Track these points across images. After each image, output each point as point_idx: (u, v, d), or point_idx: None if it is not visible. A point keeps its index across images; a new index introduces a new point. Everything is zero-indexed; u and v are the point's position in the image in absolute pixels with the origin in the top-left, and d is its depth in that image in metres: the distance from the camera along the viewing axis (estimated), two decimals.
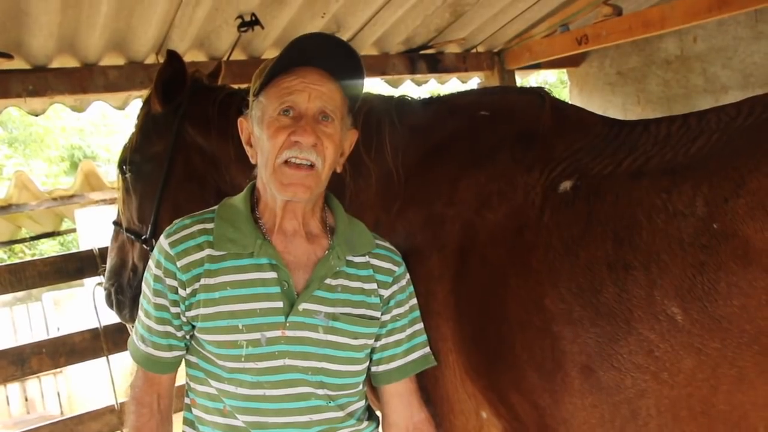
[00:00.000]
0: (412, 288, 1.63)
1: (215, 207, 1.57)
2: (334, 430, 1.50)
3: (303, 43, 1.44)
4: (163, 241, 1.51)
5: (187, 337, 1.53)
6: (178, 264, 1.47)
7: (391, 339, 1.58)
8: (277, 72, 1.45)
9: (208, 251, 1.48)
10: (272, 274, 1.46)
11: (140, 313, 1.57)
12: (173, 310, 1.50)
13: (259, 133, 1.48)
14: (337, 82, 1.48)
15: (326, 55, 1.44)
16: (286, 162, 1.42)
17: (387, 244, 1.63)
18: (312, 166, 1.42)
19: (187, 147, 2.21)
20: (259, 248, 1.46)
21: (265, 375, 1.44)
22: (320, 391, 1.46)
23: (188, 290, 1.47)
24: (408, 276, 1.62)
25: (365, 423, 1.58)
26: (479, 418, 1.63)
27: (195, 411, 1.55)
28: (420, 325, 1.62)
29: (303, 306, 1.46)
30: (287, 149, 1.42)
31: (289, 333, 1.44)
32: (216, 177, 2.18)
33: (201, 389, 1.51)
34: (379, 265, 1.57)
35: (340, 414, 1.50)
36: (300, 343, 1.45)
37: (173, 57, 2.19)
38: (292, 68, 1.45)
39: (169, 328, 1.51)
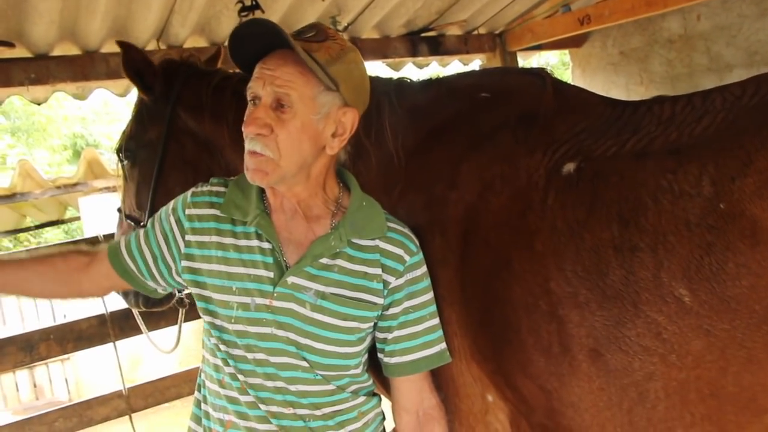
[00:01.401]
0: (428, 281, 1.59)
1: (238, 176, 1.61)
2: (329, 404, 1.51)
3: (253, 26, 1.42)
4: (189, 191, 1.62)
5: (155, 272, 1.61)
6: (187, 211, 1.57)
7: (405, 332, 1.55)
8: (254, 60, 1.45)
9: (217, 213, 1.55)
10: (268, 245, 1.50)
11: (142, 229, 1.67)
12: (161, 242, 1.59)
13: None
14: (300, 62, 1.40)
15: (281, 34, 1.39)
16: (249, 151, 1.44)
17: (405, 231, 1.58)
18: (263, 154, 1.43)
19: (180, 132, 2.21)
20: (253, 218, 1.50)
21: (255, 339, 1.47)
22: (305, 364, 1.48)
23: (192, 238, 1.55)
24: (425, 267, 1.58)
25: (363, 398, 1.58)
26: (485, 401, 1.63)
27: (204, 388, 1.58)
28: (437, 320, 1.59)
29: (292, 279, 1.47)
30: (245, 139, 1.44)
31: (276, 303, 1.46)
32: (210, 162, 2.18)
33: (208, 358, 1.56)
34: (388, 250, 1.54)
35: (330, 387, 1.51)
36: (286, 314, 1.47)
37: (128, 48, 2.19)
38: (267, 52, 1.44)
39: (148, 256, 1.60)
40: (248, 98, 1.45)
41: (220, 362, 1.51)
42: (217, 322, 1.51)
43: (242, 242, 1.51)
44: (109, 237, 3.05)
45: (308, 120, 1.42)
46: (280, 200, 1.53)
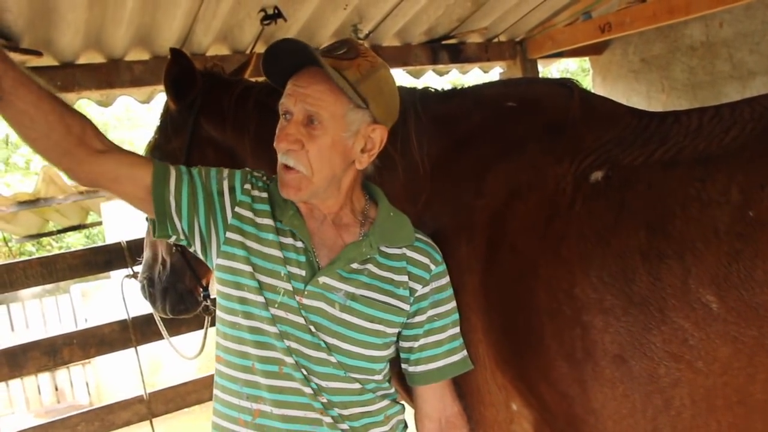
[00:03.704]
0: (451, 290, 1.62)
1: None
2: (357, 403, 1.52)
3: (289, 43, 1.45)
4: (250, 170, 1.63)
5: (183, 211, 1.52)
6: (245, 185, 1.57)
7: (431, 339, 1.58)
8: (287, 75, 1.49)
9: (266, 196, 1.57)
10: (301, 244, 1.53)
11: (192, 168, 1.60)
12: (198, 190, 1.53)
13: None
14: (331, 80, 1.42)
15: (316, 52, 1.43)
16: (283, 165, 1.47)
17: (430, 241, 1.62)
18: (295, 169, 1.46)
19: (202, 142, 2.23)
20: (289, 218, 1.53)
21: (292, 328, 1.48)
22: (335, 360, 1.49)
23: (241, 211, 1.54)
24: (448, 277, 1.61)
25: (388, 402, 1.59)
26: (509, 410, 1.63)
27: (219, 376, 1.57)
28: (458, 328, 1.62)
29: (323, 279, 1.49)
30: (278, 153, 1.48)
31: (306, 301, 1.48)
32: None
33: (233, 347, 1.52)
34: (415, 259, 1.57)
35: (357, 386, 1.52)
36: (316, 313, 1.49)
37: (178, 55, 2.19)
38: (299, 69, 1.47)
39: (199, 193, 1.53)
40: (280, 112, 1.49)
41: (249, 349, 1.49)
42: (254, 297, 1.47)
43: (278, 238, 1.53)
44: (131, 243, 3.09)
45: (338, 137, 1.46)
46: (311, 208, 1.56)
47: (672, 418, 1.36)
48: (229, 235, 1.53)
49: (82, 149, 1.43)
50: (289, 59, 1.46)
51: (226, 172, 1.60)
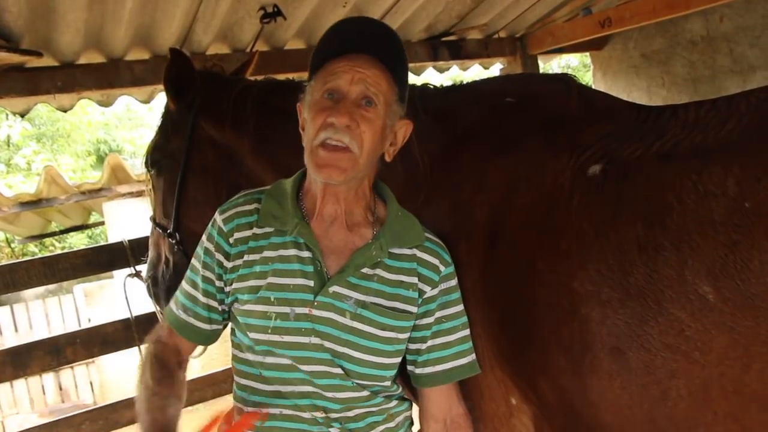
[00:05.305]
0: (459, 292, 1.60)
1: (270, 186, 1.62)
2: (362, 407, 1.52)
3: (348, 27, 1.48)
4: (217, 217, 1.59)
5: (228, 310, 1.59)
6: (231, 240, 1.55)
7: (439, 341, 1.56)
8: (326, 57, 1.48)
9: (255, 230, 1.54)
10: (308, 254, 1.50)
11: (184, 283, 1.63)
12: (218, 284, 1.57)
13: (306, 116, 1.51)
14: (384, 68, 1.47)
15: (374, 41, 1.46)
16: (323, 144, 1.43)
17: (439, 242, 1.60)
18: (347, 148, 1.42)
19: (202, 142, 2.23)
20: (294, 227, 1.50)
21: (292, 349, 1.46)
22: (341, 372, 1.48)
23: (233, 263, 1.54)
24: (456, 279, 1.60)
25: (395, 402, 1.59)
26: (509, 404, 1.63)
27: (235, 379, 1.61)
28: (468, 331, 1.60)
29: (333, 289, 1.48)
30: (323, 130, 1.43)
31: (316, 312, 1.47)
32: (231, 170, 2.20)
33: (239, 355, 1.56)
34: (425, 260, 1.56)
35: (364, 393, 1.51)
36: (325, 324, 1.47)
37: (177, 55, 2.20)
38: (342, 53, 1.46)
39: (213, 302, 1.58)
40: (320, 91, 1.47)
41: (254, 358, 1.51)
42: (252, 335, 1.50)
43: (278, 253, 1.51)
44: (133, 242, 3.10)
45: (384, 124, 1.48)
46: (320, 205, 1.53)
47: (669, 409, 1.36)
48: (229, 287, 1.55)
49: (184, 366, 1.66)
50: (341, 44, 1.46)
51: (212, 245, 1.57)
